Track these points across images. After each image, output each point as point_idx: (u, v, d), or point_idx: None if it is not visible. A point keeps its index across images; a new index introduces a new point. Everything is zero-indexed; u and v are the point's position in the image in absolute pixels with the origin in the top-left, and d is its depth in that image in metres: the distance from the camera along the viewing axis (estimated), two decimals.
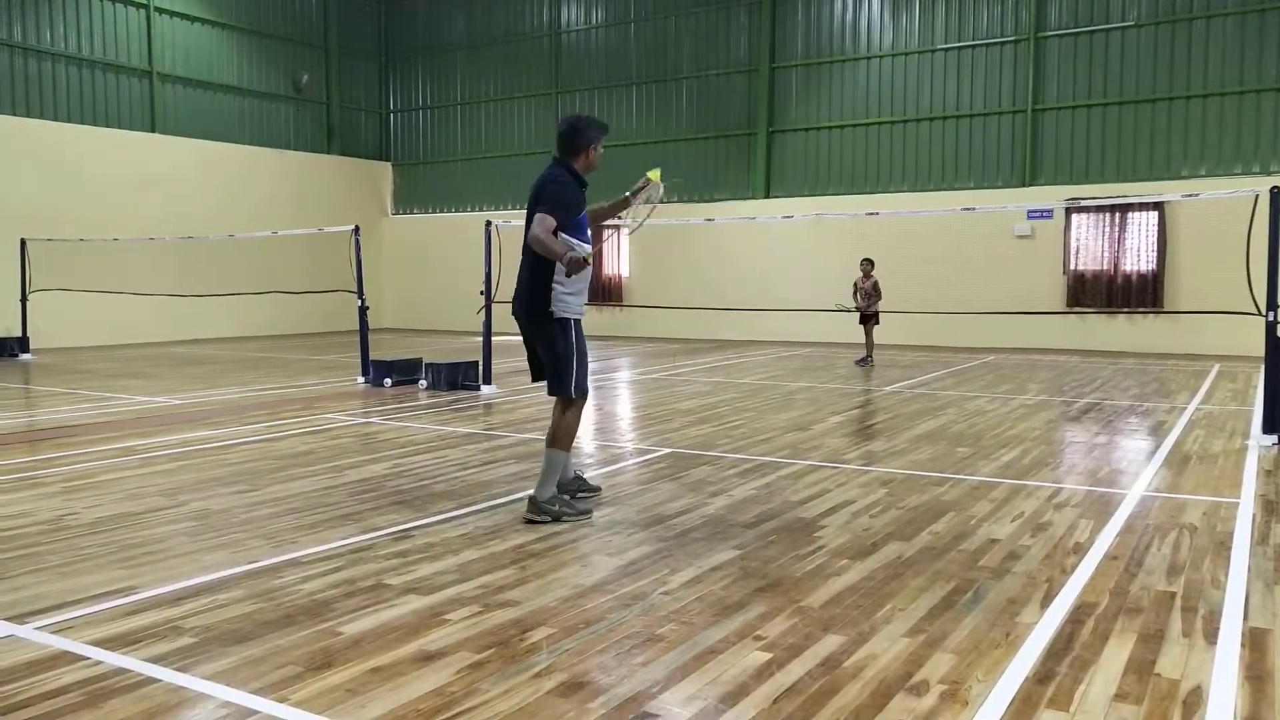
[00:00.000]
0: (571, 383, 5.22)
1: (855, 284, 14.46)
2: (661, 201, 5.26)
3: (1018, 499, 5.74)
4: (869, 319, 14.41)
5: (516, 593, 4.00)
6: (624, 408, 10.42)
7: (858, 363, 14.48)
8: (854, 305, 14.30)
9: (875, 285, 14.30)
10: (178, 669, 3.20)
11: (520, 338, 5.48)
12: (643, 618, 3.70)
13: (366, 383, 11.74)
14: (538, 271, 5.20)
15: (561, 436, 5.24)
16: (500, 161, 24.36)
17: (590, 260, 5.09)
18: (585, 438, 8.24)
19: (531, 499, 5.23)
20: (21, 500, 5.72)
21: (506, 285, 12.86)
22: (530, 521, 5.17)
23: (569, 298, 5.22)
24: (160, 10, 20.74)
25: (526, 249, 5.24)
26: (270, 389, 11.55)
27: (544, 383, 5.36)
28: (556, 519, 5.17)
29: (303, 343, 19.75)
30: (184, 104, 21.31)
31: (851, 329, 18.14)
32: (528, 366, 5.55)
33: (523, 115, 24.03)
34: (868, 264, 14.35)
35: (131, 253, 17.96)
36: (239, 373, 13.54)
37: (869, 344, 14.59)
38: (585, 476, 5.86)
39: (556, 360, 5.23)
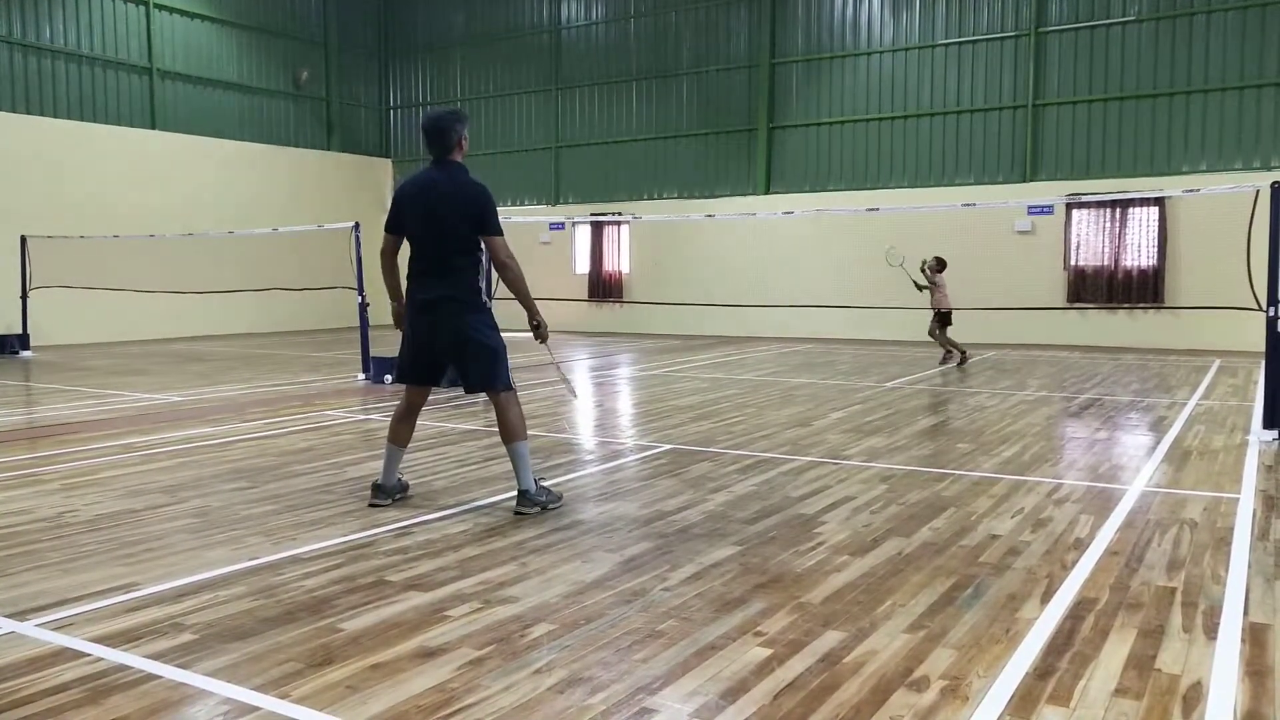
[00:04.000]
0: (506, 372, 5.35)
1: (935, 281, 13.75)
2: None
3: (1018, 495, 5.74)
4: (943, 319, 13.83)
5: (517, 589, 4.00)
6: (624, 404, 10.42)
7: (959, 365, 13.76)
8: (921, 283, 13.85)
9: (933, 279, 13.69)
10: (178, 665, 3.20)
11: (413, 341, 5.44)
12: (643, 614, 3.70)
13: (367, 379, 11.74)
14: (464, 271, 5.29)
15: (518, 427, 5.34)
16: (501, 158, 24.34)
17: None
18: (586, 433, 8.24)
19: (522, 493, 5.32)
20: (22, 497, 5.72)
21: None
22: (522, 514, 5.24)
23: (484, 294, 5.43)
24: (160, 7, 20.72)
25: (442, 254, 5.24)
26: (270, 386, 11.55)
27: (431, 383, 5.55)
28: (544, 507, 5.30)
29: (303, 339, 19.75)
30: (184, 100, 21.29)
31: (854, 326, 18.21)
32: (416, 370, 5.47)
33: (523, 111, 24.02)
34: (938, 261, 13.79)
35: (131, 249, 17.95)
36: (239, 369, 13.54)
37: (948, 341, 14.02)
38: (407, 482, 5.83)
39: (491, 353, 5.30)
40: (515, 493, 5.38)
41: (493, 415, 5.51)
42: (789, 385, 11.65)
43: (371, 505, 5.46)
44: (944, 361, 14.00)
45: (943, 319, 13.89)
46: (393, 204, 5.43)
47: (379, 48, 25.90)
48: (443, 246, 5.24)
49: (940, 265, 13.88)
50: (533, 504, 5.29)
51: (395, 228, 5.39)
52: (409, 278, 5.39)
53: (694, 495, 5.74)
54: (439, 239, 5.24)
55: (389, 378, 11.50)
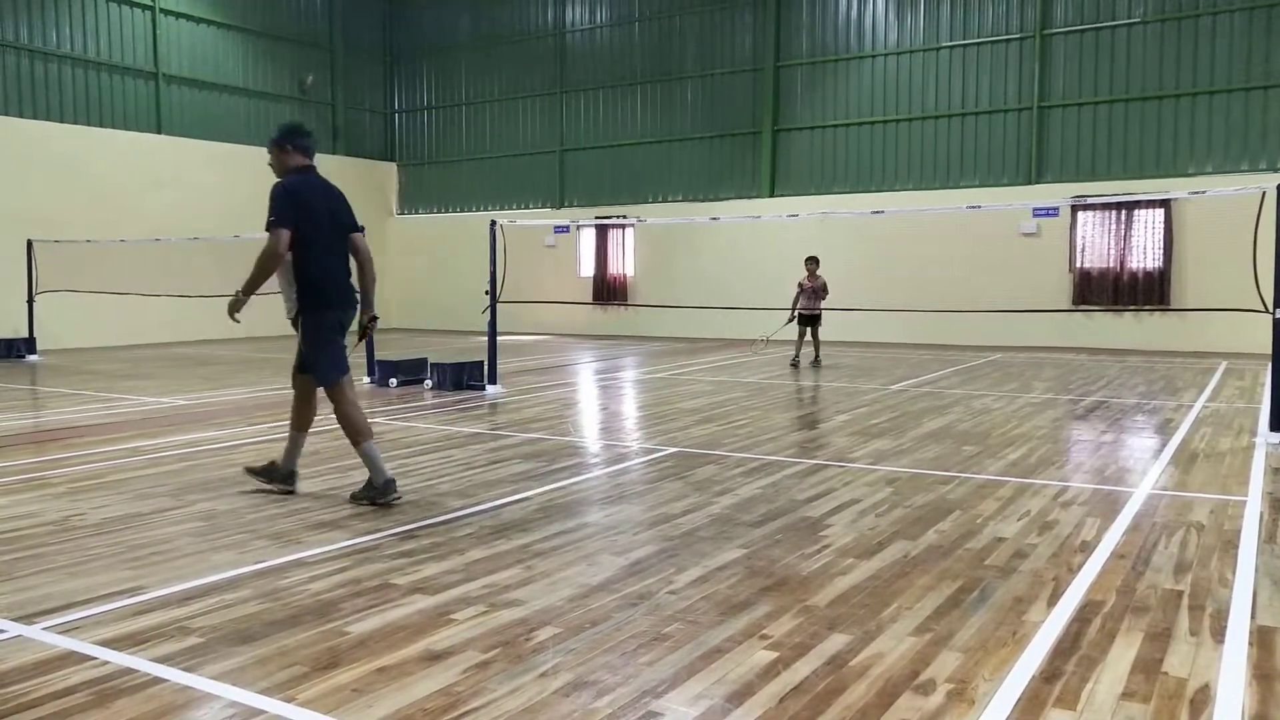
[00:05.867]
0: None
1: (800, 284, 13.95)
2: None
3: (1024, 497, 5.73)
4: (815, 320, 14.00)
5: (522, 592, 4.00)
6: (629, 407, 10.42)
7: (794, 364, 14.02)
8: (789, 317, 13.97)
9: (824, 285, 13.86)
10: (185, 669, 3.21)
11: (338, 330, 5.80)
12: (648, 617, 3.70)
13: (372, 383, 11.75)
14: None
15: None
16: (505, 161, 24.38)
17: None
18: (590, 436, 8.24)
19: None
20: (29, 501, 5.73)
21: (512, 285, 12.78)
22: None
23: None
24: (166, 12, 20.79)
25: (344, 252, 5.76)
26: (276, 389, 11.55)
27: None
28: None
29: None
30: (189, 105, 21.35)
31: (859, 328, 18.18)
32: (344, 358, 5.84)
33: (527, 115, 24.05)
34: (813, 263, 13.94)
35: (138, 254, 17.99)
36: (245, 373, 13.56)
37: (816, 344, 14.21)
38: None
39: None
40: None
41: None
42: (794, 388, 11.65)
43: (392, 502, 5.55)
44: (816, 361, 14.26)
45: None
46: (294, 200, 5.55)
47: (384, 52, 25.95)
48: (343, 246, 5.76)
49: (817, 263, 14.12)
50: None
51: (295, 224, 5.53)
52: (327, 276, 5.63)
53: (699, 498, 5.73)
54: (342, 239, 5.74)
55: (394, 381, 11.52)
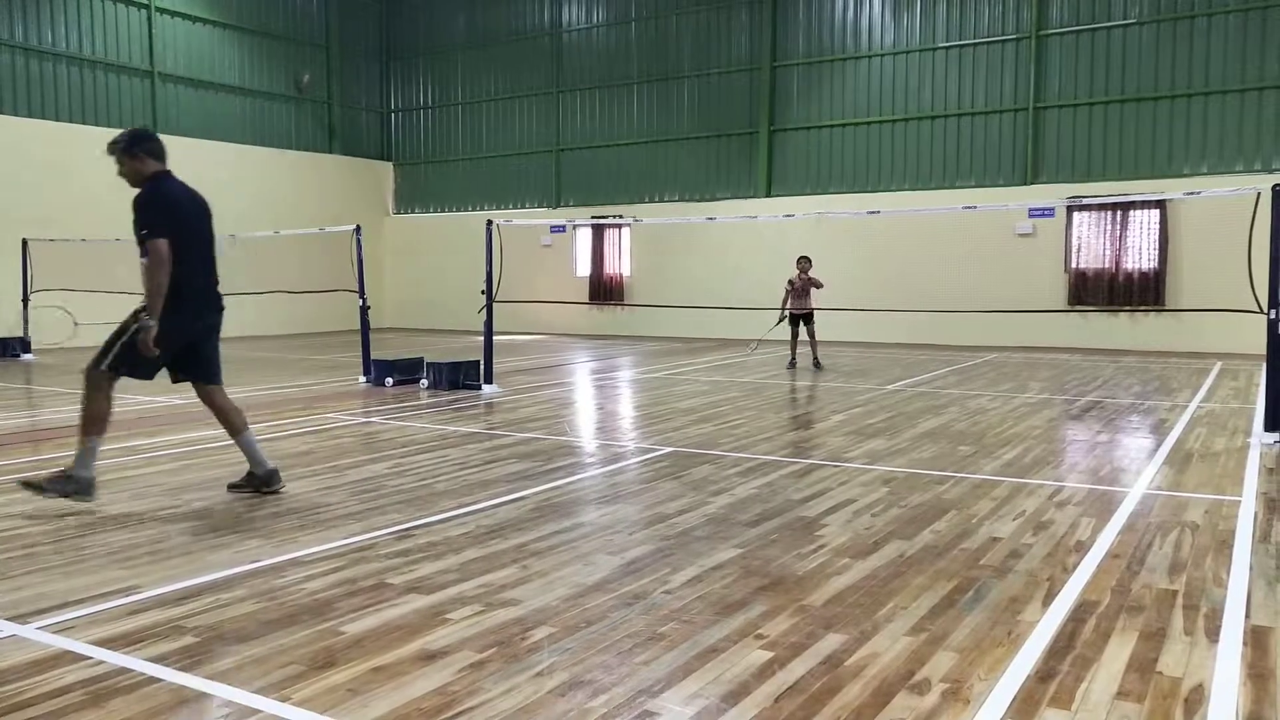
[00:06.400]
0: None
1: (790, 282, 13.56)
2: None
3: (1019, 497, 5.74)
4: (807, 318, 13.68)
5: (518, 592, 4.00)
6: (625, 406, 10.42)
7: (791, 366, 13.76)
8: (779, 317, 13.67)
9: (812, 279, 13.46)
10: (180, 668, 3.20)
11: (197, 338, 5.91)
12: (644, 617, 3.70)
13: (368, 382, 11.74)
14: None
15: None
16: (501, 161, 24.38)
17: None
18: (586, 436, 8.23)
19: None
20: (24, 500, 5.71)
21: (508, 285, 12.76)
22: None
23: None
24: (161, 10, 20.76)
25: (211, 257, 5.87)
26: (271, 389, 11.55)
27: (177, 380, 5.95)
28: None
29: (304, 342, 19.75)
30: (185, 104, 21.32)
31: (855, 328, 18.19)
32: (169, 368, 5.83)
33: (524, 115, 24.05)
34: (805, 262, 13.61)
35: (133, 253, 17.87)
36: (240, 373, 13.53)
37: (813, 344, 13.84)
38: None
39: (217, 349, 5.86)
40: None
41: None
42: (790, 387, 11.65)
43: (74, 495, 5.44)
44: (815, 363, 13.92)
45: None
46: (172, 208, 5.52)
47: (380, 51, 25.93)
48: (213, 253, 5.81)
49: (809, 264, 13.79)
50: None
51: (175, 233, 5.48)
52: (201, 285, 5.71)
53: (695, 498, 5.74)
54: (211, 247, 5.81)
55: (390, 380, 11.50)
